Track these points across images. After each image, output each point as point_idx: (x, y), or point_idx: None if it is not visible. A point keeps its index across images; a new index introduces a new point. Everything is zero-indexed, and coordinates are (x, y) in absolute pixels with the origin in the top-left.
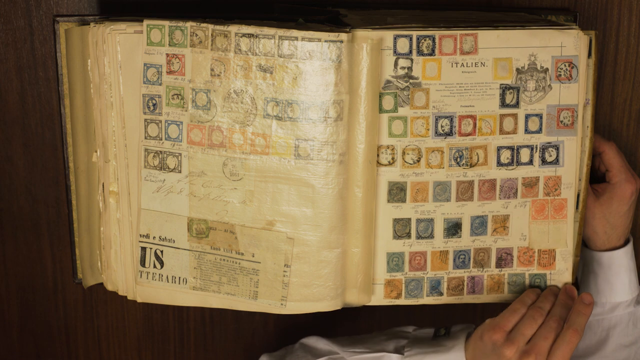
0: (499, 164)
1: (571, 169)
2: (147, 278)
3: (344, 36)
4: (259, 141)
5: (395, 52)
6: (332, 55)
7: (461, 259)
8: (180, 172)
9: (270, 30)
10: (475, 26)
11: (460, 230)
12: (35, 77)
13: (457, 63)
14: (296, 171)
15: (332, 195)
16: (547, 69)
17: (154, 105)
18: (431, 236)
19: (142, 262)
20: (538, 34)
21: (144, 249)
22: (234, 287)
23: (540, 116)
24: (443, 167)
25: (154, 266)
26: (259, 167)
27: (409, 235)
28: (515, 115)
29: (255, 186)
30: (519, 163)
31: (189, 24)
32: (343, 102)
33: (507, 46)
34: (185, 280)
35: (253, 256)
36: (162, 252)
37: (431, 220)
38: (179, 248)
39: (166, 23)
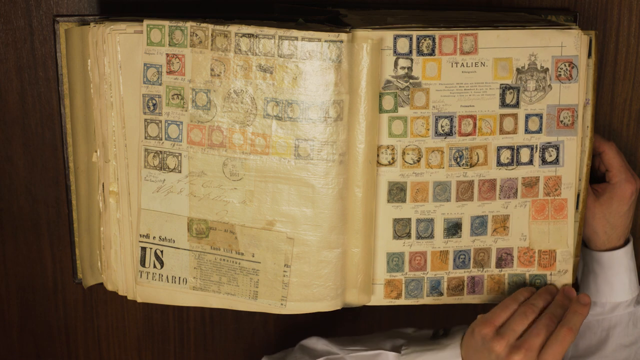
0: (499, 164)
1: (571, 169)
2: (147, 278)
3: (344, 36)
4: (259, 141)
5: (395, 52)
6: (332, 55)
7: (461, 259)
8: (180, 172)
9: (270, 30)
10: (475, 26)
11: (460, 230)
12: (35, 77)
13: (457, 63)
14: (296, 171)
15: (332, 195)
16: (547, 69)
17: (154, 105)
18: (431, 236)
19: (142, 262)
20: (538, 34)
21: (144, 249)
22: (234, 287)
23: (540, 116)
24: (443, 167)
25: (154, 266)
26: (259, 167)
27: (409, 235)
28: (515, 115)
29: (255, 186)
30: (519, 163)
31: (189, 24)
32: (343, 102)
33: (507, 46)
34: (185, 280)
35: (253, 256)
36: (162, 252)
37: (431, 220)
38: (179, 248)
39: (166, 23)
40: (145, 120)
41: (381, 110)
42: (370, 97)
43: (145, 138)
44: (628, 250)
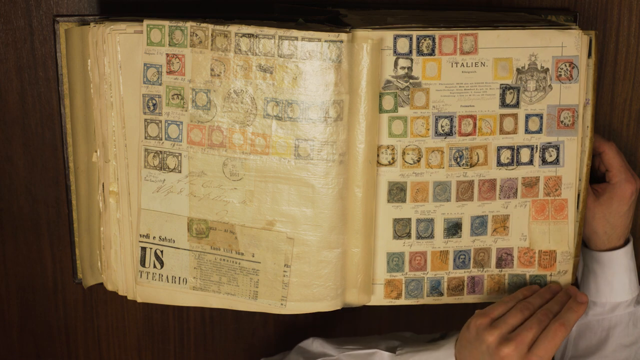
0: (499, 164)
1: (571, 169)
2: (147, 278)
3: (344, 36)
4: (259, 141)
5: (395, 52)
6: (332, 55)
7: (461, 259)
8: (180, 172)
9: (270, 30)
10: (475, 26)
11: (460, 230)
12: (35, 77)
13: (457, 63)
14: (296, 171)
15: (332, 195)
16: (547, 69)
17: (154, 105)
18: (431, 236)
19: (142, 262)
20: (538, 34)
21: (144, 249)
22: (234, 287)
23: (540, 116)
24: (443, 167)
25: (154, 266)
26: (259, 167)
27: (409, 235)
28: (515, 115)
29: (255, 186)
30: (519, 163)
31: (189, 24)
32: (343, 102)
33: (508, 46)
34: (185, 280)
35: (253, 256)
36: (162, 252)
37: (431, 220)
38: (179, 248)
39: (166, 23)
40: (145, 120)
41: (381, 110)
42: (370, 97)
43: (145, 138)
44: (628, 250)
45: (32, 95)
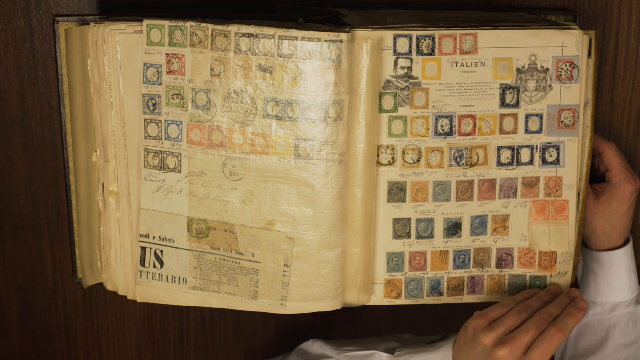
0: (499, 164)
1: (572, 170)
2: (147, 278)
3: (344, 36)
4: (259, 141)
5: (395, 52)
6: (332, 55)
7: (461, 259)
8: (180, 172)
9: (270, 30)
10: (475, 26)
11: (461, 230)
12: (35, 77)
13: (457, 63)
14: (296, 171)
15: (332, 195)
16: (547, 69)
17: (154, 105)
18: (431, 236)
19: (142, 262)
20: (539, 34)
21: (144, 249)
22: (234, 287)
23: (540, 116)
24: (443, 167)
25: (154, 266)
26: (259, 167)
27: (409, 235)
28: (515, 115)
29: (255, 186)
30: (519, 163)
31: (189, 24)
32: (343, 102)
33: (508, 46)
34: (185, 280)
35: (253, 256)
36: (162, 252)
37: (431, 220)
38: (179, 248)
39: (166, 23)
40: (145, 120)
41: (381, 110)
42: (370, 97)
43: (145, 138)
44: (628, 250)
45: (32, 95)
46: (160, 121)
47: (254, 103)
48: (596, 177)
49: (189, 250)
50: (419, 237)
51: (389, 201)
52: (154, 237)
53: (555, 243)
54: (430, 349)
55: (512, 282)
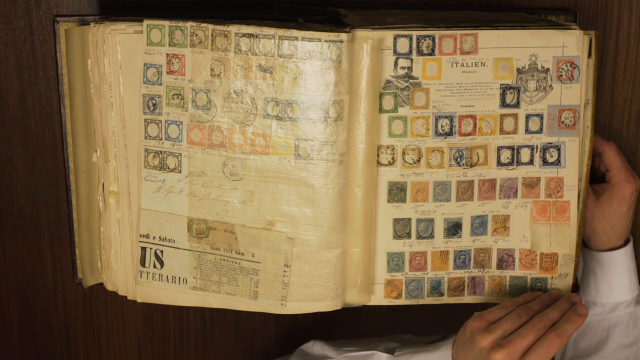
0: (499, 163)
1: (573, 171)
2: (147, 278)
3: (344, 36)
4: (259, 141)
5: (395, 52)
6: (332, 55)
7: (461, 259)
8: (180, 172)
9: (270, 30)
10: (475, 26)
11: (461, 230)
12: (35, 77)
13: (457, 63)
14: (296, 171)
15: (332, 195)
16: (548, 69)
17: (154, 105)
18: (431, 236)
19: (142, 262)
20: (539, 34)
21: (144, 249)
22: (234, 287)
23: (541, 116)
24: (443, 167)
25: (154, 266)
26: (259, 167)
27: (409, 235)
28: (515, 115)
29: (255, 186)
30: (519, 163)
31: (189, 24)
32: (343, 102)
33: (508, 46)
34: (185, 280)
35: (253, 256)
36: (162, 252)
37: (431, 220)
38: (179, 248)
39: (166, 23)
40: (145, 120)
41: (381, 110)
42: (370, 97)
43: (145, 138)
44: (628, 250)
45: (32, 95)
46: (160, 121)
47: (254, 103)
48: (596, 177)
49: (189, 250)
50: (419, 237)
51: (389, 201)
52: (154, 237)
53: (556, 244)
54: (430, 348)
55: (513, 283)
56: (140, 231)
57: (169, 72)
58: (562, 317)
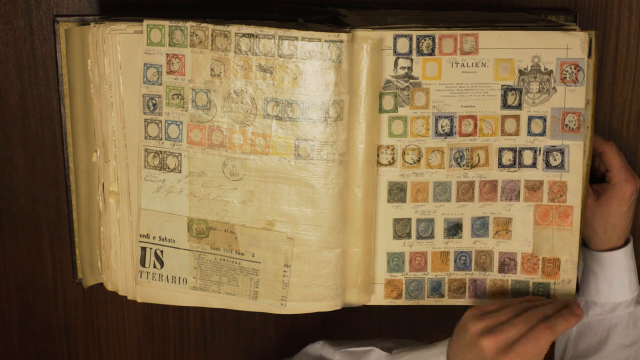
0: (501, 165)
1: (577, 175)
2: (147, 278)
3: (344, 36)
4: (259, 141)
5: (395, 52)
6: (332, 55)
7: (462, 260)
8: (180, 172)
9: (270, 30)
10: (475, 26)
11: (461, 231)
12: (35, 77)
13: (457, 63)
14: (296, 171)
15: (332, 195)
16: (551, 71)
17: (154, 105)
18: (431, 236)
19: (142, 262)
20: (542, 35)
21: (144, 249)
22: (234, 287)
23: (544, 119)
24: (443, 168)
25: (154, 266)
26: (259, 167)
27: (409, 236)
28: (517, 117)
29: (255, 186)
30: (521, 165)
31: (189, 24)
32: (343, 102)
33: (509, 47)
34: (185, 280)
35: (253, 256)
36: (162, 252)
37: (431, 221)
38: (179, 248)
39: (166, 23)
40: (145, 120)
41: (381, 110)
42: (370, 97)
43: (145, 138)
44: (628, 250)
45: (32, 95)
46: (160, 121)
47: (254, 103)
48: (596, 177)
49: (189, 250)
50: (419, 237)
51: (389, 201)
52: (154, 237)
53: (557, 249)
54: (427, 346)
55: (515, 287)
56: (140, 231)
57: (169, 72)
58: (557, 313)
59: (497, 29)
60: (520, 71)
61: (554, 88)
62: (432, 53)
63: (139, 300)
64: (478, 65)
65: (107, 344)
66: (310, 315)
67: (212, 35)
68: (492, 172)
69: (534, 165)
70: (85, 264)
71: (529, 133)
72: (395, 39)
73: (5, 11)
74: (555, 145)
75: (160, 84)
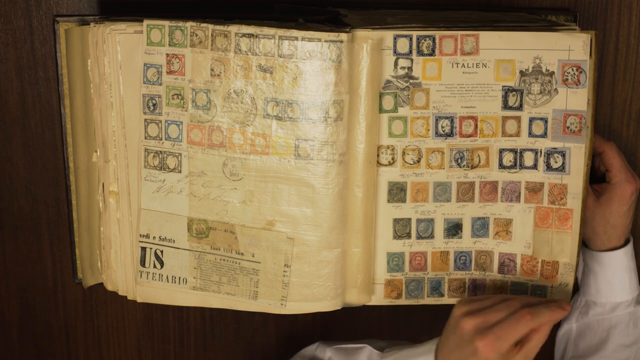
0: (501, 166)
1: (578, 178)
2: (147, 278)
3: (344, 36)
4: (259, 141)
5: (395, 52)
6: (332, 55)
7: (462, 260)
8: (180, 172)
9: (270, 30)
10: (476, 27)
11: (461, 231)
12: (35, 77)
13: (457, 63)
14: (296, 171)
15: (332, 195)
16: (553, 73)
17: (154, 105)
18: (431, 236)
19: (142, 262)
20: (544, 36)
21: (144, 249)
22: (234, 287)
23: (545, 120)
24: (443, 168)
25: (154, 266)
26: (259, 167)
27: (409, 236)
28: (518, 118)
29: (255, 186)
30: (522, 166)
31: (189, 24)
32: (343, 102)
33: (510, 47)
34: (185, 280)
35: (253, 256)
36: (162, 252)
37: (431, 221)
38: (179, 248)
39: (166, 23)
40: (145, 120)
41: (381, 110)
42: (370, 97)
43: (145, 138)
44: (628, 250)
45: (32, 95)
46: (160, 121)
47: (254, 103)
48: (596, 177)
49: (189, 250)
50: (419, 237)
51: (389, 201)
52: (154, 237)
53: (556, 252)
54: (417, 344)
55: (514, 288)
56: (140, 231)
57: (169, 72)
58: (544, 303)
59: (498, 29)
60: (521, 72)
61: (555, 89)
62: (432, 53)
63: (139, 300)
64: (479, 65)
65: (107, 344)
66: (310, 315)
67: (212, 35)
68: (492, 173)
69: (534, 166)
70: (85, 264)
71: (530, 134)
72: (395, 39)
73: (5, 11)
74: (556, 147)
75: (160, 84)
